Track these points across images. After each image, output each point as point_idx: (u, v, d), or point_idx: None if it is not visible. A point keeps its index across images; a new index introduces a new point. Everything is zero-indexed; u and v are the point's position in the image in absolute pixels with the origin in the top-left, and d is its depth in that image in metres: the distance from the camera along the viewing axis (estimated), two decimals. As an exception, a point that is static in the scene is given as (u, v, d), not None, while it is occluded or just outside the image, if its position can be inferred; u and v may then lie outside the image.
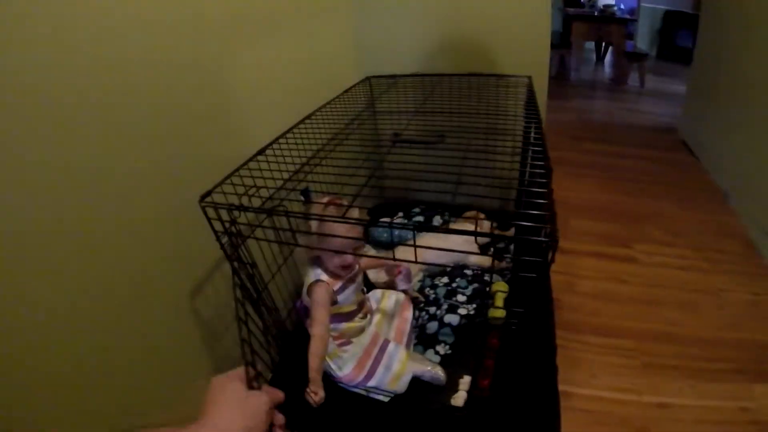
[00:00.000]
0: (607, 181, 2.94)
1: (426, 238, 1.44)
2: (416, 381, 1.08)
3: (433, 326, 1.24)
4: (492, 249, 1.45)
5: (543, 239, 0.68)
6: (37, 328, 0.67)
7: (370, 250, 1.52)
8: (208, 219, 0.87)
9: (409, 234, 1.63)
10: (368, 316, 1.17)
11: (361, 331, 1.13)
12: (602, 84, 5.56)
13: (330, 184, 1.38)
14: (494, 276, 1.36)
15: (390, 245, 1.52)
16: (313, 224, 0.98)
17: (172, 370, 0.97)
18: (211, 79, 1.04)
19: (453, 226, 1.71)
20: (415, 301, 1.33)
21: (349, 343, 1.10)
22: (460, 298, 1.33)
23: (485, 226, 1.56)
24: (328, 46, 1.63)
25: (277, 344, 1.15)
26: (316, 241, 1.01)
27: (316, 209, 1.00)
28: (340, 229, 0.94)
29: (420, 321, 1.28)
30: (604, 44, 6.33)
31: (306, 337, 1.00)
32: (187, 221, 0.94)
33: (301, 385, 0.89)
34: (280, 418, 0.63)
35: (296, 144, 1.14)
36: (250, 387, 0.61)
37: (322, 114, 1.35)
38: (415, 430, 1.02)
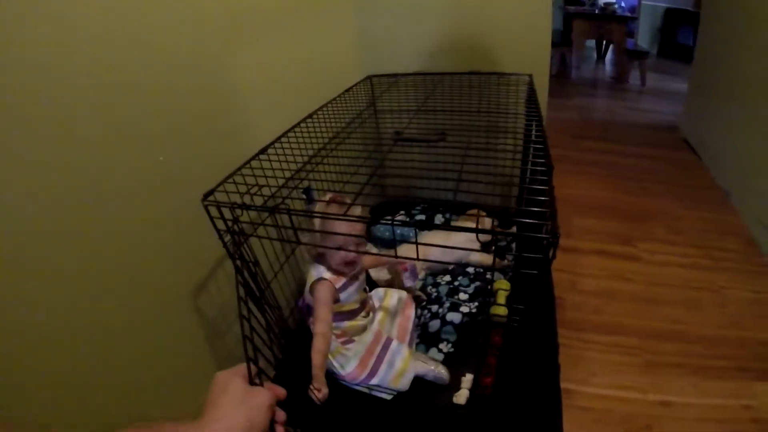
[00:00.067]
0: (608, 179, 2.93)
1: (428, 236, 1.44)
2: (419, 379, 1.08)
3: (435, 324, 1.24)
4: (493, 247, 1.45)
5: (544, 236, 0.68)
6: (37, 328, 0.67)
7: (372, 249, 1.52)
8: (211, 217, 0.87)
9: (411, 232, 1.64)
10: (371, 314, 1.17)
11: (364, 329, 1.13)
12: (603, 82, 5.54)
13: (332, 182, 1.39)
14: (496, 274, 1.36)
15: (392, 243, 1.51)
16: (316, 222, 0.99)
17: (173, 370, 0.97)
18: (211, 78, 1.04)
19: (455, 224, 1.71)
20: (417, 300, 1.33)
21: (351, 341, 1.10)
22: (462, 296, 1.33)
23: (486, 223, 1.56)
24: (329, 45, 1.63)
25: (279, 342, 1.15)
26: (318, 238, 1.01)
27: (318, 207, 1.00)
28: (343, 226, 0.94)
29: (422, 319, 1.28)
30: (604, 42, 6.32)
31: (308, 336, 1.00)
32: (188, 220, 0.94)
33: (303, 383, 0.89)
34: (281, 415, 0.63)
35: (298, 143, 1.14)
36: (252, 384, 0.61)
37: (324, 113, 1.35)
38: (418, 428, 1.02)
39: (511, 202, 1.89)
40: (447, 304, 1.29)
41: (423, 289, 1.40)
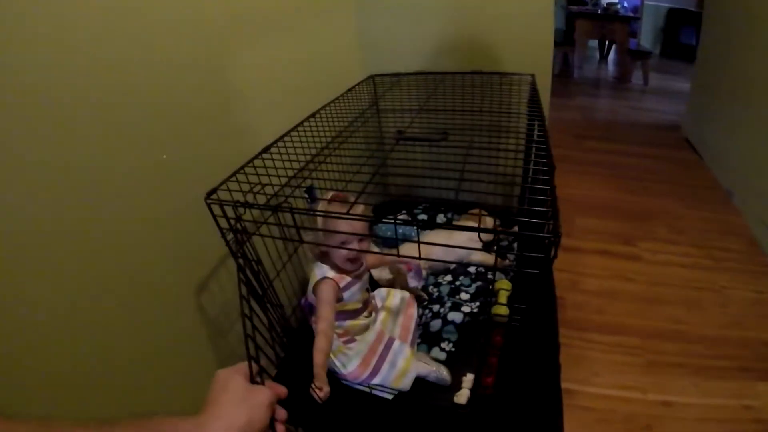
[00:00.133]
0: (610, 179, 2.92)
1: (430, 235, 1.44)
2: (420, 379, 1.08)
3: (436, 324, 1.24)
4: (495, 246, 1.45)
5: (546, 236, 0.68)
6: (37, 328, 0.67)
7: (373, 248, 1.51)
8: (214, 216, 0.87)
9: (413, 231, 1.64)
10: (373, 314, 1.17)
11: (366, 328, 1.13)
12: (606, 82, 5.53)
13: (334, 181, 1.39)
14: (497, 274, 1.36)
15: (394, 242, 1.51)
16: (319, 221, 0.98)
17: (174, 369, 0.97)
18: (211, 78, 1.04)
19: (456, 223, 1.71)
20: (418, 299, 1.33)
21: (353, 340, 1.10)
22: (464, 296, 1.33)
23: (488, 223, 1.56)
24: (331, 44, 1.62)
25: (281, 341, 1.15)
26: (321, 237, 1.01)
27: (321, 205, 1.00)
28: (345, 224, 0.93)
29: (424, 319, 1.28)
30: (607, 42, 6.30)
31: (310, 335, 1.00)
32: (189, 220, 0.94)
33: (305, 382, 0.89)
34: (281, 413, 0.63)
35: (300, 142, 1.14)
36: (253, 382, 0.61)
37: (326, 112, 1.34)
38: (419, 428, 1.02)
39: (513, 201, 1.88)
40: (448, 304, 1.29)
41: (424, 288, 1.40)
